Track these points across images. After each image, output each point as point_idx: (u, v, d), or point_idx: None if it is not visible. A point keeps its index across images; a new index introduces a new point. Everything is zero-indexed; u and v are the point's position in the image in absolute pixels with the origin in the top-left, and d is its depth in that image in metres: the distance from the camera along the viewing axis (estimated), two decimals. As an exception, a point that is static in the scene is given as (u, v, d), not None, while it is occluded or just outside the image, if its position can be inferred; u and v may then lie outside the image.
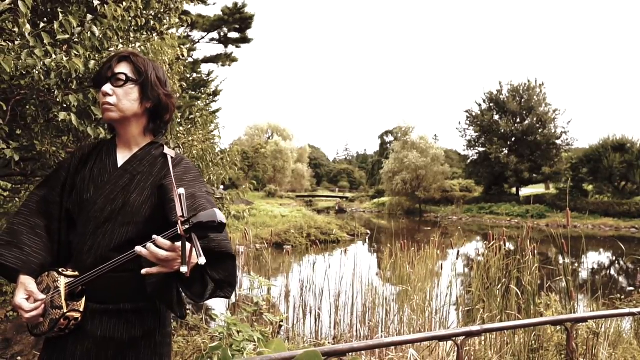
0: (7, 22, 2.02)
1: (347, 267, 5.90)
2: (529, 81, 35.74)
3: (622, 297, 4.37)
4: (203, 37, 15.84)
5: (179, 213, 1.07)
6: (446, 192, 38.79)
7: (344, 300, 5.51)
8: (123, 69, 1.36)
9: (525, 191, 36.53)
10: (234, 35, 16.11)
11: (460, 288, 4.82)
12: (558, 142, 34.54)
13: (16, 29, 2.01)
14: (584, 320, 3.34)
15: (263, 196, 40.02)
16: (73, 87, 2.55)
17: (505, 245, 4.04)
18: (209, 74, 15.99)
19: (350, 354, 2.31)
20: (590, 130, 79.52)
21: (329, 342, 4.90)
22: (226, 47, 16.43)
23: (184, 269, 0.99)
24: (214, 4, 13.49)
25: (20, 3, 1.84)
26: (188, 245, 1.02)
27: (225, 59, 16.21)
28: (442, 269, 5.29)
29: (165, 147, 1.45)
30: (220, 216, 1.01)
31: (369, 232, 21.07)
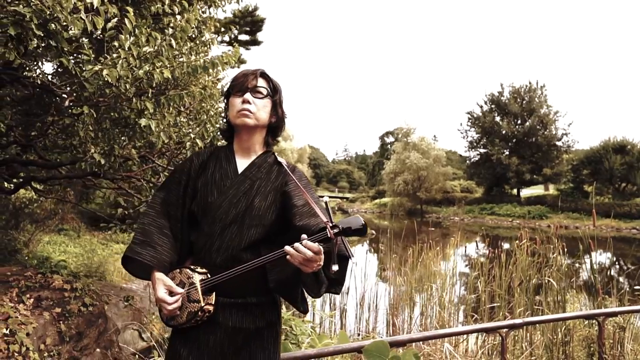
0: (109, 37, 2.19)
1: (370, 265, 6.09)
2: (530, 83, 36.01)
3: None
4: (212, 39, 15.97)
5: (324, 219, 1.21)
6: (447, 193, 39.02)
7: (369, 297, 5.69)
8: (263, 83, 1.49)
9: (525, 192, 36.76)
10: (244, 37, 16.26)
11: (483, 285, 5.00)
12: (559, 143, 34.78)
13: (115, 43, 2.19)
14: (614, 314, 3.55)
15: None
16: (149, 95, 2.74)
17: (536, 246, 4.23)
18: (216, 75, 16.09)
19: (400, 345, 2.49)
20: (591, 132, 79.88)
21: (353, 339, 5.08)
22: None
23: (335, 267, 1.16)
24: (224, 5, 13.57)
25: (126, 20, 2.01)
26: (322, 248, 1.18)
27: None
28: (471, 267, 5.47)
29: (277, 155, 1.57)
30: (363, 220, 1.18)
31: (374, 232, 21.26)
